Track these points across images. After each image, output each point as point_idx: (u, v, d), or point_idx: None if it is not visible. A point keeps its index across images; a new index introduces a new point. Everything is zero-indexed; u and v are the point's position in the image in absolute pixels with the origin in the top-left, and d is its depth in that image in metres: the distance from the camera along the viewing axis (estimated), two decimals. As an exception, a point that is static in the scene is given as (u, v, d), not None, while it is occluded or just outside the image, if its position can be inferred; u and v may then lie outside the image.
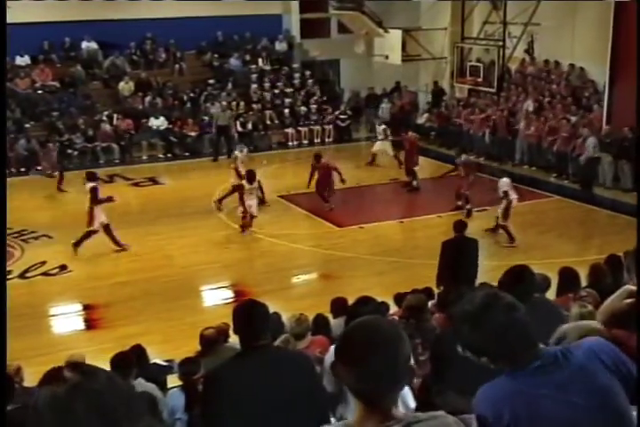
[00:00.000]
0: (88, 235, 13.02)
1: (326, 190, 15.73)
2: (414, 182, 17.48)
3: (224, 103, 21.32)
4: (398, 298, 8.72)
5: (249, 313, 3.99)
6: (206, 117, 21.40)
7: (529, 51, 21.27)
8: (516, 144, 19.29)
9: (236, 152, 16.33)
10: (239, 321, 3.97)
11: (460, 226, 10.51)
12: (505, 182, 13.83)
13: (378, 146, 19.48)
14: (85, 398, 1.83)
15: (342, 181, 16.06)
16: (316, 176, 16.01)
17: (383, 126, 19.56)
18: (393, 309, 8.31)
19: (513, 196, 13.64)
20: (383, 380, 1.98)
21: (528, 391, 2.21)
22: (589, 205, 16.04)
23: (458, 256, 9.97)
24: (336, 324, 7.48)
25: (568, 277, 6.67)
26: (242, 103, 22.17)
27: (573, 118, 18.03)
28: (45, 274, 12.52)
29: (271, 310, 4.27)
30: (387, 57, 22.12)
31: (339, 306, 7.85)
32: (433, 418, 2.07)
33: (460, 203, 15.25)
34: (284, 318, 7.22)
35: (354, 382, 1.99)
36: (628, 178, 16.51)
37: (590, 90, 19.18)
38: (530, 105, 19.58)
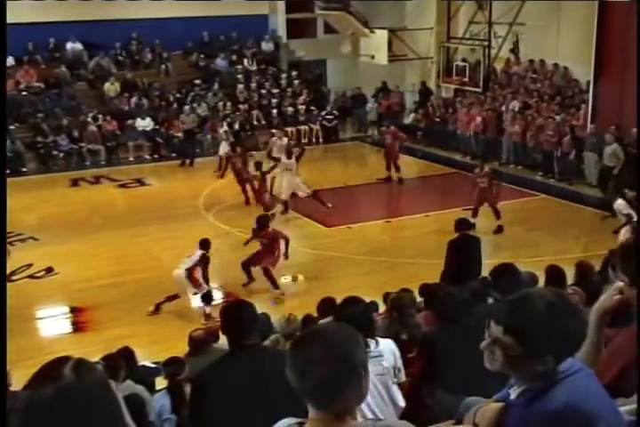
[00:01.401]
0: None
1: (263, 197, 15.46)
2: (396, 176, 17.54)
3: (187, 107, 21.23)
4: (387, 298, 8.74)
5: (236, 313, 3.99)
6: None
7: (514, 50, 21.36)
8: (503, 143, 19.37)
9: (274, 138, 17.38)
10: (227, 321, 3.98)
11: (463, 225, 10.56)
12: (622, 204, 12.75)
13: None
14: (73, 398, 1.83)
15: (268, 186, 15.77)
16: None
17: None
18: (382, 308, 8.31)
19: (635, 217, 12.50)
20: (330, 385, 1.95)
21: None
22: (575, 204, 16.14)
23: (464, 255, 10.04)
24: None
25: (554, 275, 6.72)
26: (228, 104, 22.13)
27: (558, 117, 18.12)
28: (32, 277, 12.45)
29: (259, 310, 4.28)
30: (373, 57, 22.17)
31: (327, 306, 7.84)
32: None
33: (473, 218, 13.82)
34: (273, 318, 7.23)
35: (301, 386, 1.97)
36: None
37: (575, 89, 19.29)
38: (515, 105, 19.66)
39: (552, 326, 2.10)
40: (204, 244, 11.01)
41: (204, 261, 10.87)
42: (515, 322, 2.13)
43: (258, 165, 15.69)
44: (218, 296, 11.49)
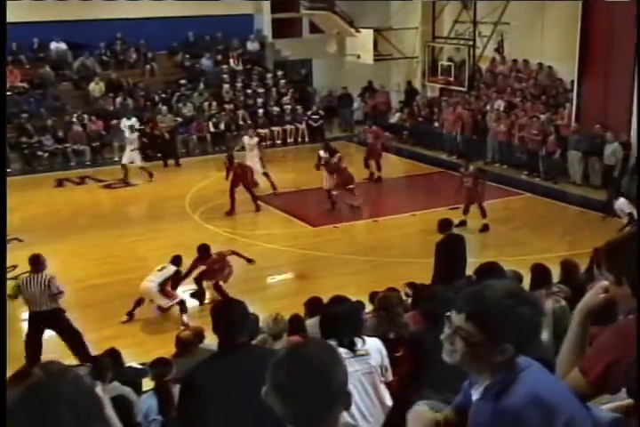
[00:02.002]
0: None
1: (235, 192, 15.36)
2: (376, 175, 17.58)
3: (164, 108, 21.12)
4: (374, 297, 8.75)
5: (228, 312, 3.98)
6: (179, 118, 21.30)
7: (499, 50, 21.45)
8: (488, 143, 19.44)
9: (245, 137, 17.63)
10: (218, 320, 3.96)
11: (446, 225, 10.62)
12: (624, 203, 12.83)
13: None
14: (47, 397, 1.83)
15: (256, 184, 15.99)
16: (230, 177, 15.65)
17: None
18: (369, 308, 8.33)
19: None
20: (312, 408, 1.92)
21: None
22: (560, 202, 16.23)
23: (452, 255, 10.10)
24: (311, 324, 7.48)
25: (540, 274, 6.76)
26: (214, 103, 22.09)
27: (543, 116, 18.22)
28: (16, 278, 12.34)
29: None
30: (358, 56, 22.21)
31: (314, 306, 7.85)
32: None
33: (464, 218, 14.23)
34: (261, 318, 7.22)
35: (282, 409, 1.94)
36: (597, 175, 16.70)
37: (559, 88, 19.40)
38: (500, 104, 19.74)
39: (511, 313, 2.15)
40: (202, 250, 11.06)
41: (176, 277, 10.79)
42: (476, 309, 2.18)
43: (230, 158, 15.87)
44: (199, 300, 11.43)
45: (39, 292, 8.83)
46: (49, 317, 8.95)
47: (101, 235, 13.93)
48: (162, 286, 10.56)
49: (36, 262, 9.01)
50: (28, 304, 9.04)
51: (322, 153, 16.26)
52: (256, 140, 17.62)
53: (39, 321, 8.95)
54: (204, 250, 11.25)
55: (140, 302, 10.67)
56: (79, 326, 10.69)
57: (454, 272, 9.42)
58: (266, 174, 16.98)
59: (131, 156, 18.20)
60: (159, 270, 10.73)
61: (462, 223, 13.83)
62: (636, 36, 15.22)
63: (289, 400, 1.93)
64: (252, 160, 16.81)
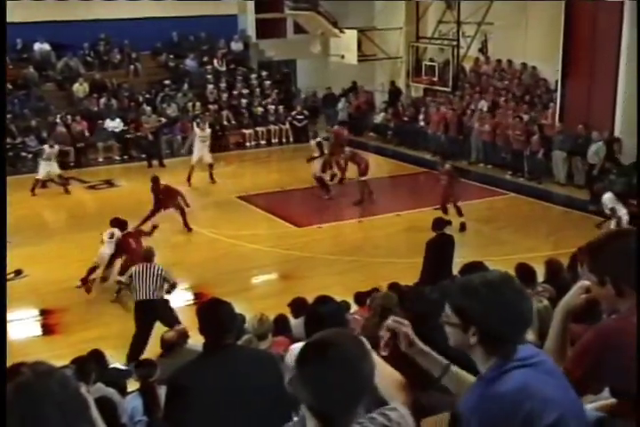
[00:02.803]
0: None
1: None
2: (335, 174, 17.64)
3: (148, 108, 20.98)
4: (359, 297, 8.77)
5: (214, 312, 3.96)
6: (163, 119, 21.22)
7: (483, 50, 21.53)
8: (471, 143, 19.50)
9: (196, 129, 18.30)
10: (205, 320, 3.94)
11: (440, 223, 10.65)
12: (609, 198, 12.86)
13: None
14: (35, 397, 1.83)
15: (187, 205, 14.81)
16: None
17: (318, 139, 18.13)
18: (354, 308, 8.34)
19: (622, 211, 12.67)
20: (340, 398, 1.93)
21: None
22: (544, 202, 16.30)
23: (442, 254, 10.13)
24: (296, 324, 7.48)
25: (524, 273, 6.78)
26: (198, 104, 22.04)
27: (527, 116, 18.30)
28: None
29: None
30: (342, 57, 22.23)
31: (298, 306, 7.85)
32: (381, 415, 2.07)
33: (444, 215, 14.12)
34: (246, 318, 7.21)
35: (310, 398, 1.95)
36: (581, 174, 16.80)
37: (543, 88, 19.50)
38: (484, 104, 19.81)
39: (491, 303, 2.20)
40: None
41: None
42: (457, 301, 2.27)
43: (155, 180, 15.16)
44: (188, 297, 11.45)
45: (151, 281, 9.46)
46: (155, 306, 9.43)
47: (85, 236, 13.84)
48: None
49: (149, 253, 10.05)
50: (135, 293, 9.56)
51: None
52: (208, 131, 18.36)
53: (146, 310, 9.41)
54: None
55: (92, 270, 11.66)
56: (63, 328, 10.69)
57: (442, 271, 9.45)
58: (211, 166, 17.93)
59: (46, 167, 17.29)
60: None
61: (448, 223, 13.81)
62: (617, 36, 15.38)
63: (317, 391, 1.93)
64: (203, 151, 17.84)
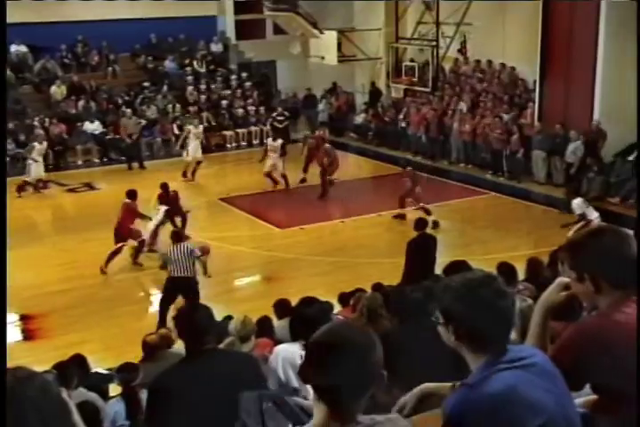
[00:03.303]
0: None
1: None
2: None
3: (128, 111, 20.84)
4: (342, 298, 8.77)
5: (192, 317, 3.95)
6: (143, 121, 21.12)
7: (462, 50, 21.63)
8: (452, 143, 19.58)
9: (190, 126, 18.64)
10: (183, 325, 3.93)
11: (421, 224, 10.68)
12: (578, 204, 13.07)
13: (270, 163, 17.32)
14: (15, 402, 1.81)
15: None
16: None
17: (280, 141, 17.77)
18: (337, 309, 8.34)
19: (594, 215, 12.92)
20: (352, 383, 1.99)
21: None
22: (524, 201, 16.40)
23: (423, 254, 10.15)
24: (280, 325, 7.47)
25: (506, 272, 6.81)
26: (178, 106, 21.96)
27: (506, 116, 18.40)
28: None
29: (216, 313, 4.24)
30: (322, 58, 22.24)
31: (282, 307, 7.84)
32: (388, 421, 2.09)
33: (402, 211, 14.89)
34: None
35: (324, 382, 2.00)
36: (560, 173, 16.91)
37: (521, 88, 19.62)
38: (464, 104, 19.90)
39: (470, 302, 2.22)
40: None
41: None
42: (440, 301, 2.32)
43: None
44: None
45: (183, 258, 10.18)
46: (185, 283, 10.14)
47: (65, 240, 13.77)
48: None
49: (177, 234, 10.97)
50: (170, 270, 10.25)
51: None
52: (201, 128, 18.83)
53: (176, 286, 10.14)
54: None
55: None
56: (44, 332, 10.61)
57: (424, 271, 9.48)
58: (199, 163, 18.36)
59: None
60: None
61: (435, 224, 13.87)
62: (594, 36, 15.51)
63: (330, 377, 1.98)
64: (195, 148, 18.20)
